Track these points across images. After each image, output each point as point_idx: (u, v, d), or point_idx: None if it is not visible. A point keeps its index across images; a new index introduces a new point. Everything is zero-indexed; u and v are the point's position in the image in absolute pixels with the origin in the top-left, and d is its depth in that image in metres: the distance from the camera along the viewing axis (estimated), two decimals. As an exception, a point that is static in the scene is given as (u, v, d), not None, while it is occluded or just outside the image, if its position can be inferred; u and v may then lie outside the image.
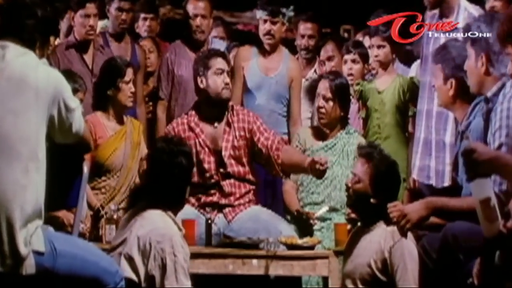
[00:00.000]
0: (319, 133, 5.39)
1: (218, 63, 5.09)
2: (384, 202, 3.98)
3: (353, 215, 4.93)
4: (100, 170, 5.16)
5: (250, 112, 5.20)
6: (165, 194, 3.90)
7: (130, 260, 3.74)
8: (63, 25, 6.36)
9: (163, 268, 3.70)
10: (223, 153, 5.04)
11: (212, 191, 5.02)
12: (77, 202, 3.63)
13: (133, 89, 5.24)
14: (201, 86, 5.12)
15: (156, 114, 6.05)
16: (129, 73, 5.24)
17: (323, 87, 5.33)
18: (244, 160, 5.06)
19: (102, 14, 6.23)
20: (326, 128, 5.35)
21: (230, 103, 5.18)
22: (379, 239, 4.03)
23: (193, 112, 5.16)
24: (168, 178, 3.87)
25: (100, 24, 6.39)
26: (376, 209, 4.07)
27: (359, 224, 4.89)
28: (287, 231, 4.86)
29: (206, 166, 5.04)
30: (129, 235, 3.80)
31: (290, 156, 5.01)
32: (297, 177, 5.28)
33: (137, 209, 3.93)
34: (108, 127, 5.22)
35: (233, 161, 5.03)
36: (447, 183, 4.86)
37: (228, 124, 5.09)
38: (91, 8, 5.83)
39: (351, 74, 5.88)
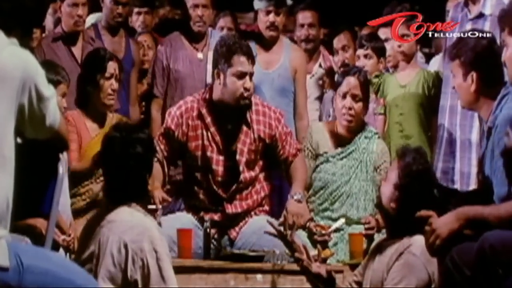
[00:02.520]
0: (335, 134, 4.84)
1: (241, 64, 4.48)
2: (404, 211, 3.59)
3: (370, 224, 4.58)
4: (82, 174, 4.77)
5: (271, 112, 4.67)
6: (124, 188, 3.54)
7: (106, 273, 3.39)
8: (49, 17, 6.11)
9: (146, 269, 3.38)
10: (237, 157, 4.56)
11: (214, 208, 4.59)
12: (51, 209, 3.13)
13: (114, 86, 4.84)
14: (217, 81, 4.55)
15: (150, 114, 5.67)
16: (111, 68, 4.82)
17: (352, 85, 4.76)
18: (258, 165, 4.62)
19: (96, 7, 5.94)
20: (347, 132, 4.82)
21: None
22: (392, 253, 3.62)
23: (206, 96, 4.59)
24: (125, 171, 3.51)
25: (94, 17, 6.08)
26: (398, 217, 3.64)
27: (380, 235, 4.53)
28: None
29: (214, 167, 4.55)
30: (97, 247, 3.44)
31: (291, 173, 4.62)
32: (308, 184, 4.82)
33: (98, 214, 3.59)
34: (90, 128, 4.86)
35: (245, 167, 4.58)
36: (473, 186, 4.64)
37: (247, 123, 4.58)
38: None
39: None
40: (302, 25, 5.91)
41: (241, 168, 4.53)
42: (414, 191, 3.60)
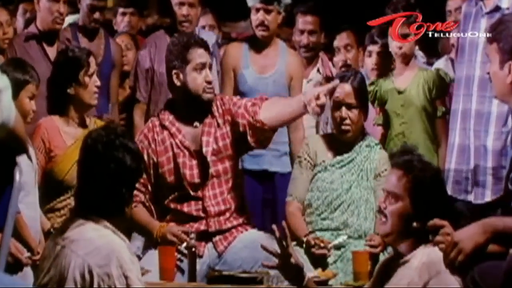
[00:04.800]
0: (333, 144, 4.60)
1: (199, 56, 4.34)
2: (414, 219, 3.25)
3: (374, 242, 4.31)
4: (58, 187, 4.39)
5: (233, 97, 4.55)
6: (98, 197, 3.16)
7: None
8: (19, 18, 5.95)
9: None
10: (204, 149, 4.32)
11: (196, 214, 4.29)
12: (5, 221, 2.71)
13: (98, 83, 4.49)
14: (177, 83, 4.37)
15: (133, 120, 5.37)
16: (93, 64, 4.48)
17: (346, 93, 4.51)
18: (229, 152, 4.35)
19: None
20: (346, 141, 4.59)
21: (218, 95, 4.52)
22: (413, 274, 3.21)
23: (166, 112, 4.46)
24: (102, 175, 3.15)
25: (71, 18, 5.81)
26: (417, 235, 3.25)
27: (385, 253, 4.25)
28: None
29: (187, 172, 4.31)
30: (57, 271, 3.07)
31: (273, 104, 4.30)
32: (303, 197, 4.55)
33: (60, 230, 3.18)
34: (67, 134, 4.45)
35: (215, 158, 4.34)
36: (489, 198, 4.42)
37: (212, 115, 4.39)
38: None
39: (376, 69, 5.17)
40: (302, 31, 5.57)
41: (208, 158, 4.29)
42: (436, 197, 3.24)
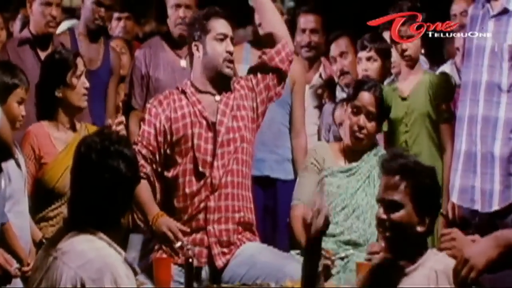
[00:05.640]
0: (342, 153, 4.54)
1: (220, 26, 4.18)
2: (431, 227, 3.17)
3: (375, 249, 4.15)
4: (49, 195, 4.24)
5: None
6: (92, 208, 2.98)
7: None
8: (18, 22, 5.86)
9: None
10: (218, 117, 4.12)
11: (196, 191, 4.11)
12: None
13: (87, 84, 4.33)
14: (197, 55, 4.22)
15: (128, 128, 5.13)
16: (80, 65, 4.33)
17: (367, 101, 4.45)
18: (244, 123, 4.21)
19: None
20: (355, 149, 4.51)
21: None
22: (427, 283, 3.08)
23: (188, 83, 4.29)
24: (96, 185, 2.96)
25: (67, 23, 5.80)
26: (420, 240, 3.16)
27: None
28: (299, 272, 3.82)
29: (202, 144, 4.12)
30: (48, 284, 2.90)
31: None
32: (309, 200, 4.36)
33: (53, 241, 3.01)
34: (58, 140, 4.30)
35: (230, 124, 4.15)
36: (496, 206, 4.27)
37: (232, 89, 4.24)
38: None
39: (366, 76, 4.97)
40: (304, 30, 5.47)
41: (219, 127, 4.12)
42: (437, 198, 3.20)
